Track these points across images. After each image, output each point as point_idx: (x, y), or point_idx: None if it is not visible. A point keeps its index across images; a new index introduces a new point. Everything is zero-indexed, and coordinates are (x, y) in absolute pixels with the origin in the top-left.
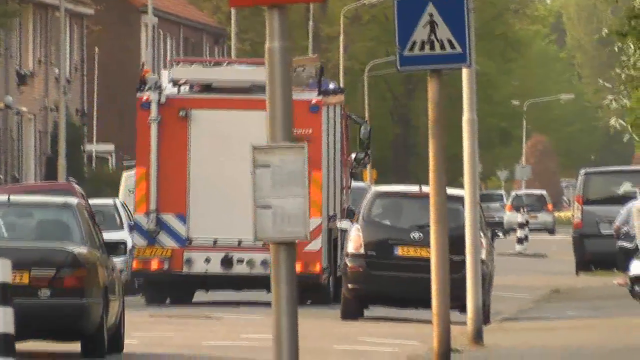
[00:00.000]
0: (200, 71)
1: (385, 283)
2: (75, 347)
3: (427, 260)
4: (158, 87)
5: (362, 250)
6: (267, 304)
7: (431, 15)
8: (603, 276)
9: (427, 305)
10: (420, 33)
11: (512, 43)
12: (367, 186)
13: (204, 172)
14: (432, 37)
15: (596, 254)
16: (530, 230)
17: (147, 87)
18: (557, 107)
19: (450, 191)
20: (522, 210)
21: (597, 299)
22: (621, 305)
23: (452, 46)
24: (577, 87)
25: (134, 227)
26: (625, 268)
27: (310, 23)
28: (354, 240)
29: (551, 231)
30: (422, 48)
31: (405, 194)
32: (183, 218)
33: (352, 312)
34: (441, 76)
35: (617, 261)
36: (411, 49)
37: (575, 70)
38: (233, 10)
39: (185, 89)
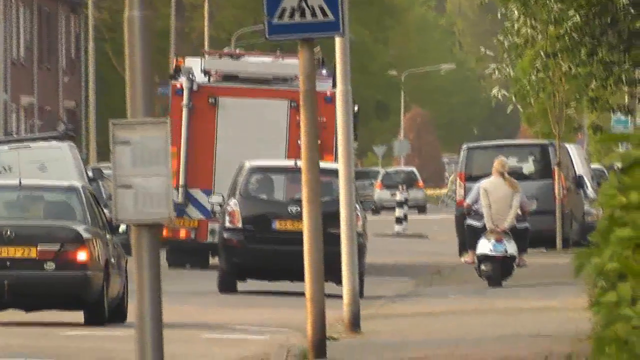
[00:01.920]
0: (228, 63)
1: (263, 256)
2: (79, 317)
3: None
4: (191, 76)
5: (239, 225)
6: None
7: None
8: None
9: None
10: (290, 0)
11: (388, 9)
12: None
13: (228, 152)
14: (303, 4)
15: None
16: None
17: (181, 75)
18: (437, 78)
19: (324, 165)
20: (400, 187)
21: (481, 282)
22: (507, 288)
23: (324, 13)
24: (458, 56)
25: None
26: (472, 246)
27: None
28: (232, 214)
29: (422, 209)
30: (292, 16)
31: (281, 168)
32: (209, 193)
33: (229, 286)
34: (313, 45)
35: (465, 239)
36: (280, 16)
37: (456, 38)
38: None
39: (212, 78)
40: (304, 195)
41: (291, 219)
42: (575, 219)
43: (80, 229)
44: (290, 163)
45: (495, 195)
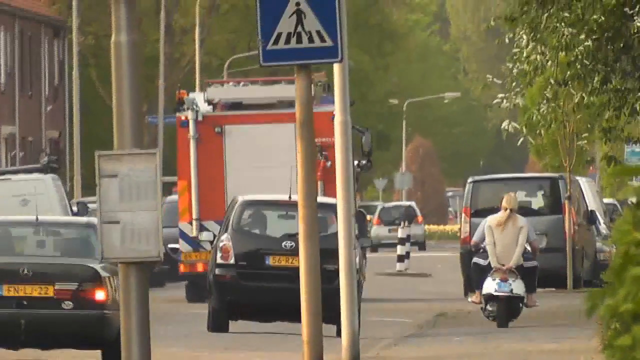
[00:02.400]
0: (231, 91)
1: (256, 294)
2: (96, 355)
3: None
4: (195, 107)
5: (232, 260)
6: None
7: (297, 4)
8: None
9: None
10: (286, 24)
11: (388, 34)
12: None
13: (239, 180)
14: (299, 29)
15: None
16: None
17: (185, 107)
18: (440, 107)
19: (320, 199)
20: (402, 223)
21: (488, 324)
22: (515, 329)
23: (322, 38)
24: (463, 84)
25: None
26: (479, 286)
27: (162, 13)
28: (224, 250)
29: (421, 246)
30: (287, 41)
31: (274, 202)
32: None
33: (220, 325)
34: (310, 72)
35: (471, 278)
36: (275, 42)
37: (461, 64)
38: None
39: (214, 107)
40: (301, 231)
41: (285, 254)
42: (587, 256)
43: (98, 267)
44: (284, 197)
45: (501, 233)
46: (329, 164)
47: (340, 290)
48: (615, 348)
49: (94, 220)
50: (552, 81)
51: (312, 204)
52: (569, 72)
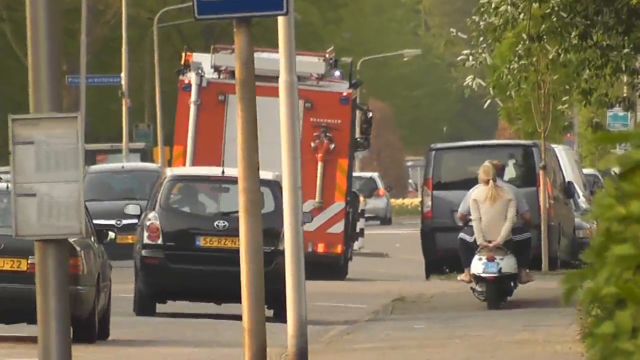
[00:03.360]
0: None
1: (186, 277)
2: None
3: (233, 251)
4: (201, 72)
5: (159, 241)
6: None
7: None
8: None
9: (233, 299)
10: None
11: None
12: (159, 168)
13: (237, 153)
14: None
15: (451, 251)
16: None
17: (189, 71)
18: (399, 66)
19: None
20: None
21: (452, 309)
22: (482, 316)
23: None
24: (424, 40)
25: None
26: (468, 264)
27: None
28: (151, 229)
29: (385, 220)
30: None
31: (206, 177)
32: None
33: (147, 309)
34: (251, 26)
35: (459, 255)
36: None
37: (422, 18)
38: None
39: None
40: (241, 206)
41: (218, 235)
42: (564, 234)
43: (72, 240)
44: (217, 171)
45: (486, 207)
46: (332, 146)
47: (286, 274)
48: (596, 336)
49: None
50: (524, 36)
51: (253, 176)
52: (543, 26)
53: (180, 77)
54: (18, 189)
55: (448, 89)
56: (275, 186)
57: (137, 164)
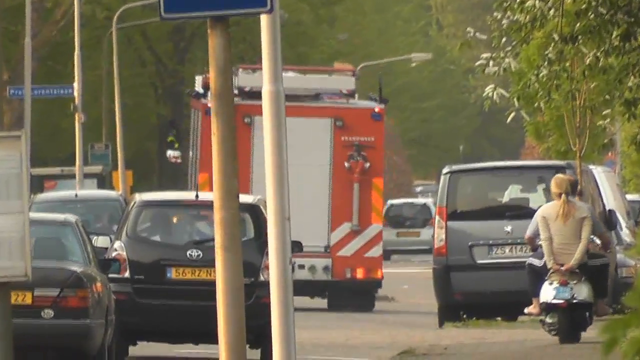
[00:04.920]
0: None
1: (157, 314)
2: None
3: (209, 283)
4: None
5: (127, 274)
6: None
7: None
8: (480, 328)
9: (209, 339)
10: None
11: None
12: (120, 197)
13: (265, 177)
14: None
15: (469, 295)
16: (412, 252)
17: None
18: (405, 73)
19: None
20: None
21: None
22: None
23: None
24: (436, 42)
25: None
26: (536, 293)
27: None
28: (117, 260)
29: (387, 255)
30: None
31: (178, 202)
32: None
33: (118, 351)
34: (227, 26)
35: (527, 283)
36: None
37: (433, 16)
38: None
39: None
40: (218, 241)
41: (191, 266)
42: None
43: (80, 270)
44: (189, 196)
45: (558, 225)
46: (367, 165)
47: (272, 316)
48: None
49: (70, 217)
50: (555, 36)
51: (232, 205)
52: (578, 24)
53: (203, 101)
54: None
55: (464, 100)
56: (257, 211)
57: (94, 191)
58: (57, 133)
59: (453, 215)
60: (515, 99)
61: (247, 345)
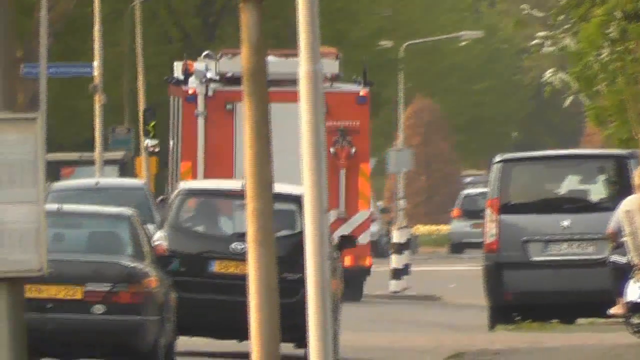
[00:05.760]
0: None
1: (198, 308)
2: None
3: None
4: (205, 80)
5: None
6: None
7: None
8: (534, 331)
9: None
10: None
11: None
12: (145, 185)
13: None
14: None
15: (523, 294)
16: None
17: (192, 80)
18: (454, 52)
19: (283, 188)
20: (398, 221)
21: None
22: None
23: None
24: (487, 19)
25: None
26: (620, 291)
27: None
28: (158, 252)
29: (379, 252)
30: None
31: (224, 192)
32: None
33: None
34: (259, 3)
35: (611, 282)
36: None
37: None
38: None
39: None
40: (250, 234)
41: (235, 259)
42: None
43: (134, 265)
44: (235, 185)
45: None
46: (353, 150)
47: (309, 315)
48: None
49: (126, 211)
50: (617, 14)
51: (265, 195)
52: None
53: (184, 88)
54: None
55: (518, 82)
56: (303, 203)
57: (116, 180)
58: (75, 115)
59: (505, 208)
60: (573, 81)
61: (293, 345)
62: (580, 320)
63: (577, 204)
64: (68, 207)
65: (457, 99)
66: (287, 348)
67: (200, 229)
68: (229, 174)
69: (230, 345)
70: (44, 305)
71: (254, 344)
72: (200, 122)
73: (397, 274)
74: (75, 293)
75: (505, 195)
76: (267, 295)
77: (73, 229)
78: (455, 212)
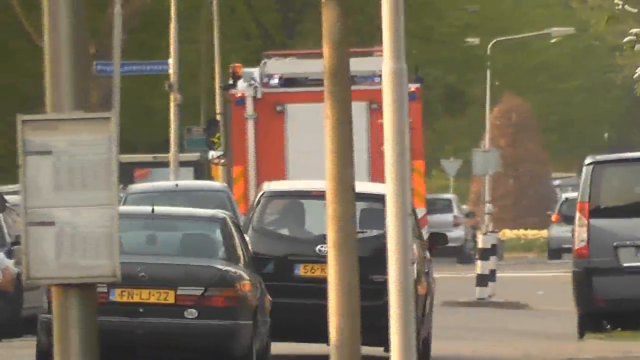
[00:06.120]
0: (294, 64)
1: (284, 312)
2: None
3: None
4: (254, 83)
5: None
6: None
7: None
8: (626, 340)
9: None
10: None
11: None
12: (226, 187)
13: (302, 167)
14: None
15: (614, 302)
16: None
17: (241, 83)
18: (544, 50)
19: (372, 188)
20: (486, 224)
21: None
22: None
23: None
24: (579, 15)
25: None
26: None
27: None
28: None
29: (462, 258)
30: None
31: (308, 193)
32: None
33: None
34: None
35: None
36: None
37: None
38: None
39: (275, 82)
40: (331, 237)
41: (320, 262)
42: None
43: (228, 269)
44: (320, 186)
45: None
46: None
47: (391, 319)
48: None
49: (220, 213)
50: None
51: (347, 197)
52: None
53: (232, 91)
54: (30, 215)
55: (611, 80)
56: None
57: (196, 182)
58: (149, 115)
59: (596, 212)
60: None
61: (383, 349)
62: None
63: None
64: (161, 209)
65: (546, 98)
66: (377, 351)
67: (284, 231)
68: (281, 177)
69: (317, 348)
70: (136, 309)
71: (332, 348)
72: (250, 125)
73: (483, 280)
74: (167, 297)
75: (596, 198)
76: (347, 300)
77: (166, 231)
78: (554, 216)
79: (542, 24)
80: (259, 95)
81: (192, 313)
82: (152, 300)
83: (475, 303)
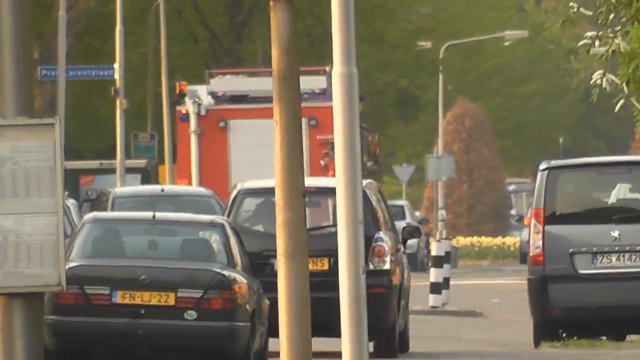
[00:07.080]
0: (237, 82)
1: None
2: None
3: (320, 274)
4: (198, 100)
5: None
6: None
7: None
8: (582, 348)
9: (329, 332)
10: None
11: None
12: (211, 193)
13: (244, 180)
14: None
15: (570, 310)
16: None
17: (185, 100)
18: (497, 53)
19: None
20: (438, 232)
21: None
22: None
23: None
24: (533, 18)
25: None
26: None
27: None
28: None
29: (416, 266)
30: None
31: None
32: None
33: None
34: (292, 1)
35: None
36: None
37: None
38: None
39: (219, 99)
40: (281, 246)
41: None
42: None
43: (226, 272)
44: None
45: None
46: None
47: (341, 301)
48: None
49: (219, 219)
50: None
51: (297, 204)
52: None
53: (177, 108)
54: None
55: (565, 85)
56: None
57: (181, 187)
58: (95, 121)
59: (551, 219)
60: (624, 84)
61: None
62: (631, 337)
63: (627, 214)
64: (161, 214)
65: (500, 102)
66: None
67: (259, 227)
68: (225, 189)
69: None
70: (137, 311)
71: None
72: (194, 140)
73: (437, 288)
74: (167, 299)
75: (551, 204)
76: (297, 310)
77: (166, 236)
78: (527, 220)
79: (496, 27)
80: (202, 112)
81: (191, 315)
82: (153, 302)
83: (428, 311)
